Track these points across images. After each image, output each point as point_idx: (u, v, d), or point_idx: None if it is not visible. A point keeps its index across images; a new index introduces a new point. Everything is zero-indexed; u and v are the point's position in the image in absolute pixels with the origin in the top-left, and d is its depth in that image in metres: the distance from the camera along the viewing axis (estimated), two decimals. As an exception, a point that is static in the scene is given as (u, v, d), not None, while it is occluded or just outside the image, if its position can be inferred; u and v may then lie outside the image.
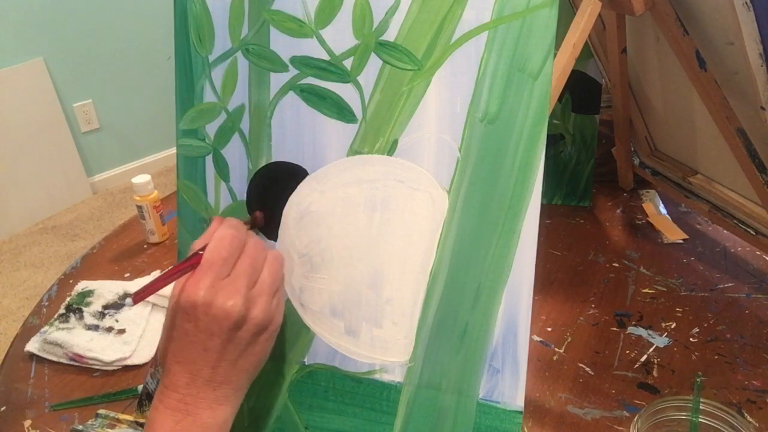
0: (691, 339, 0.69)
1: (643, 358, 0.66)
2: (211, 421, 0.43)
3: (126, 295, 0.78)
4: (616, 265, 0.82)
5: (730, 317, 0.72)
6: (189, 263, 0.43)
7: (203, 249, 0.44)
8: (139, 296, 0.43)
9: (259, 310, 0.44)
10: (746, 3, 0.50)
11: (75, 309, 0.77)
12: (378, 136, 0.48)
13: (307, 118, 0.50)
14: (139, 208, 0.93)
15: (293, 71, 0.50)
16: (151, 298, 0.79)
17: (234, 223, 0.46)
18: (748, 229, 0.74)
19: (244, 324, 0.43)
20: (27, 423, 0.63)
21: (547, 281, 0.80)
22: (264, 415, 0.52)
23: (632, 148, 0.96)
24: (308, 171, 0.50)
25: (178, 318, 0.43)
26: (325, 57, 0.49)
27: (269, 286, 0.45)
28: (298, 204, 0.51)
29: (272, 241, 0.52)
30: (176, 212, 0.56)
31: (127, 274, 0.88)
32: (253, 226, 0.51)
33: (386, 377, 0.49)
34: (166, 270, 0.44)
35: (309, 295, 0.51)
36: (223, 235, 0.44)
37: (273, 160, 0.52)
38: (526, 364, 0.46)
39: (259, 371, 0.46)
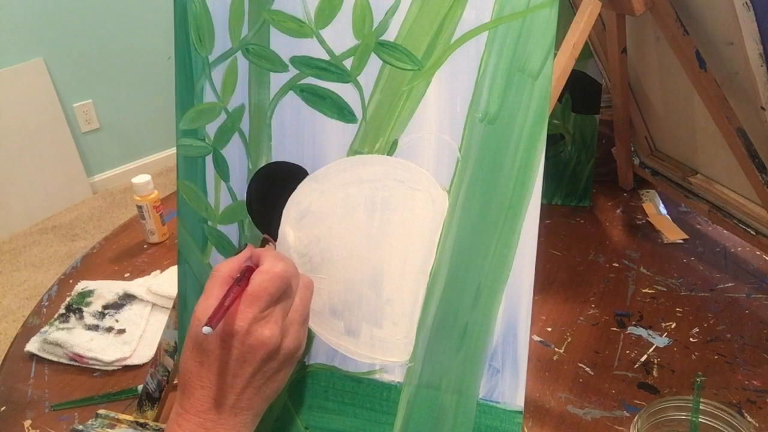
0: (691, 339, 0.69)
1: (643, 358, 0.66)
2: None
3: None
4: (616, 265, 0.82)
5: (730, 317, 0.72)
6: (241, 287, 0.43)
7: (247, 271, 0.43)
8: (215, 321, 0.40)
9: (291, 339, 0.44)
10: (746, 3, 0.50)
11: (75, 309, 0.77)
12: (378, 136, 0.48)
13: (307, 118, 0.50)
14: (139, 208, 0.93)
15: (293, 71, 0.50)
16: (150, 298, 0.79)
17: (282, 255, 0.46)
18: (748, 229, 0.74)
19: (277, 354, 0.43)
20: (27, 423, 0.63)
21: (547, 281, 0.80)
22: (264, 416, 0.51)
23: (632, 148, 0.96)
24: (308, 171, 0.50)
25: (211, 343, 0.42)
26: (325, 57, 0.49)
27: (300, 315, 0.45)
28: (298, 204, 0.51)
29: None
30: (176, 212, 0.56)
31: (127, 274, 0.88)
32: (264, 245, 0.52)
33: (386, 377, 0.49)
34: (227, 293, 0.42)
35: (309, 295, 0.51)
36: (275, 273, 0.43)
37: (273, 160, 0.52)
38: (526, 364, 0.46)
39: (275, 396, 0.46)
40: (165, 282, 0.81)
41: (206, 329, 0.39)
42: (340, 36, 0.48)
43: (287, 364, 0.45)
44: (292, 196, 0.51)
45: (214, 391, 0.42)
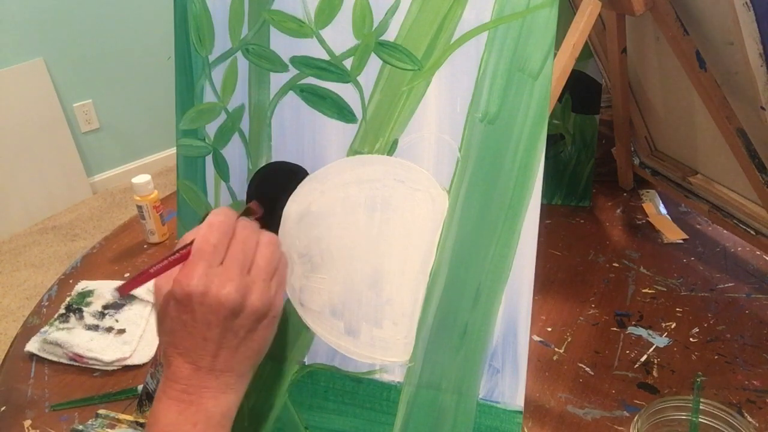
0: (691, 339, 0.69)
1: (643, 358, 0.66)
2: (215, 410, 0.43)
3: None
4: (616, 265, 0.82)
5: (730, 317, 0.72)
6: (180, 255, 0.43)
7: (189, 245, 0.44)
8: (126, 288, 0.42)
9: (256, 297, 0.43)
10: (746, 3, 0.50)
11: (75, 309, 0.77)
12: (378, 136, 0.48)
13: (307, 118, 0.50)
14: (139, 208, 0.93)
15: (293, 71, 0.50)
16: (150, 298, 0.79)
17: (224, 210, 0.45)
18: (748, 229, 0.74)
19: (241, 312, 0.42)
20: (27, 423, 0.63)
21: (547, 281, 0.80)
22: (264, 415, 0.52)
23: (632, 148, 0.96)
24: (308, 171, 0.50)
25: (173, 309, 0.42)
26: (325, 57, 0.49)
27: (264, 271, 0.44)
28: (298, 204, 0.51)
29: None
30: (176, 212, 0.56)
31: (127, 274, 0.88)
32: (248, 215, 0.51)
33: (386, 377, 0.49)
34: (155, 263, 0.43)
35: (309, 295, 0.51)
36: (211, 222, 0.43)
37: (273, 160, 0.52)
38: (526, 364, 0.46)
39: (262, 357, 0.46)
40: (165, 282, 0.81)
41: (114, 293, 0.41)
42: (340, 36, 0.48)
43: (260, 323, 0.44)
44: (292, 196, 0.51)
45: (189, 357, 0.42)
